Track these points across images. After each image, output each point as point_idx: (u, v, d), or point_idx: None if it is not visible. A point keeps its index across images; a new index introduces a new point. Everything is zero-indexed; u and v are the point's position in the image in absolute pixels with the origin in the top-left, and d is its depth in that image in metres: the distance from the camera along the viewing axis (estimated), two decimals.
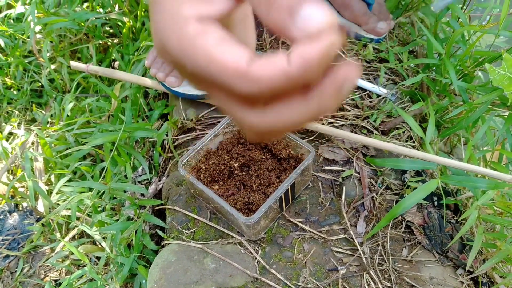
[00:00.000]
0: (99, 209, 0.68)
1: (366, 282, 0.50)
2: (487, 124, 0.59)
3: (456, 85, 0.58)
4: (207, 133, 0.57)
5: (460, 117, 0.62)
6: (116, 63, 0.90)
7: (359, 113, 0.63)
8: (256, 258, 0.52)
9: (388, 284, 0.50)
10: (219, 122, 0.64)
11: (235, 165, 0.55)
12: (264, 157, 0.56)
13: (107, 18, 0.85)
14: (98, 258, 0.66)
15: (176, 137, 0.64)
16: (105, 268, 0.66)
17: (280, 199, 0.52)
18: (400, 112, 0.57)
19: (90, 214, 0.68)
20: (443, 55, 0.60)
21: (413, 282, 0.51)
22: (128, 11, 0.83)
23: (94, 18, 0.82)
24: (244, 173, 0.55)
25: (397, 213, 0.51)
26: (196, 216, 0.55)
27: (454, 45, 0.67)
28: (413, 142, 0.61)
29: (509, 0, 0.59)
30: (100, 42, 0.88)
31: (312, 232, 0.53)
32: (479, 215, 0.52)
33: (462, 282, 0.52)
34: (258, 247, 0.53)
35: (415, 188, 0.58)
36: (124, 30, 0.84)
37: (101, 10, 0.90)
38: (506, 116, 0.61)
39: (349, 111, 0.63)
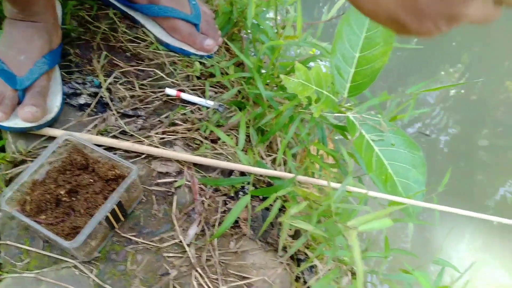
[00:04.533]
0: None
1: (195, 278, 0.56)
2: (295, 124, 0.68)
3: (264, 94, 0.67)
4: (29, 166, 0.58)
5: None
6: None
7: (190, 126, 0.69)
8: (90, 277, 0.55)
9: (215, 276, 0.57)
10: None
11: (62, 192, 0.57)
12: (92, 180, 0.59)
13: None
14: None
15: (9, 172, 0.63)
16: None
17: (107, 219, 0.56)
18: (213, 129, 0.64)
19: None
20: (253, 68, 0.69)
21: (238, 271, 0.58)
22: None
23: None
24: (73, 199, 0.58)
25: (220, 233, 0.58)
26: (28, 247, 0.56)
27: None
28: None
29: (301, 14, 0.70)
30: None
31: (145, 243, 0.58)
32: (287, 204, 0.61)
33: (282, 263, 0.61)
34: (92, 267, 0.56)
35: (240, 189, 0.65)
36: None
37: None
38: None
39: (180, 125, 0.69)
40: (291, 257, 0.64)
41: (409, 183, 0.67)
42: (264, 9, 0.78)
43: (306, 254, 0.64)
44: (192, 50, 0.78)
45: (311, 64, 0.78)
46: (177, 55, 0.78)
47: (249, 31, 0.83)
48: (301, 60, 0.73)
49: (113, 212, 0.56)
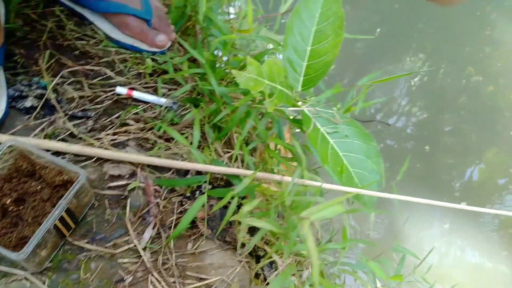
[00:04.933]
0: None
1: (151, 283, 0.55)
2: (251, 119, 0.68)
3: (217, 90, 0.66)
4: None
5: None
6: None
7: (143, 126, 0.67)
8: None
9: (172, 280, 0.56)
10: None
11: (8, 201, 0.55)
12: (39, 187, 0.57)
13: None
14: None
15: None
16: None
17: (56, 227, 0.54)
18: (166, 128, 0.63)
19: None
20: (205, 64, 0.67)
21: (196, 272, 0.58)
22: None
23: None
24: (20, 208, 0.56)
25: (175, 235, 0.57)
26: None
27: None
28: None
29: (251, 7, 0.69)
30: None
31: (99, 250, 0.56)
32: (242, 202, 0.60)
33: (241, 261, 0.61)
34: (44, 277, 0.54)
35: (196, 188, 0.64)
36: None
37: None
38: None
39: (133, 125, 0.67)
40: (250, 254, 0.64)
41: (365, 173, 0.67)
42: (217, 3, 0.76)
43: (265, 250, 0.63)
44: (144, 47, 0.76)
45: (267, 57, 0.78)
46: (128, 52, 0.76)
47: (203, 25, 0.82)
48: (254, 54, 0.72)
49: (62, 220, 0.54)
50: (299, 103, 0.69)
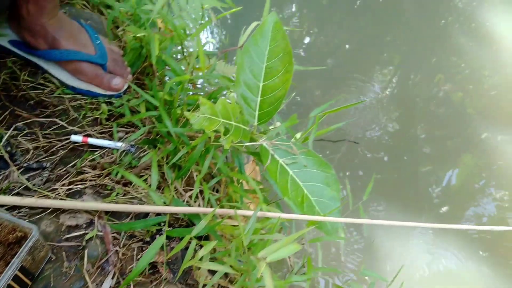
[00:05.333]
0: None
1: None
2: (210, 157, 0.68)
3: (172, 131, 0.66)
4: None
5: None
6: None
7: (99, 172, 0.67)
8: None
9: None
10: None
11: None
12: None
13: None
14: None
15: None
16: None
17: (11, 286, 0.53)
18: (122, 172, 0.63)
19: None
20: (159, 106, 0.68)
21: None
22: None
23: None
24: None
25: (128, 281, 0.56)
26: None
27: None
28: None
29: (201, 47, 0.70)
30: None
31: None
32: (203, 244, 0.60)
33: None
34: None
35: (156, 232, 0.64)
36: None
37: None
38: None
39: (88, 172, 0.67)
40: None
41: (325, 201, 0.68)
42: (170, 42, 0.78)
43: None
44: (100, 91, 0.76)
45: (225, 93, 0.79)
46: (84, 98, 0.76)
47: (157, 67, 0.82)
48: (211, 91, 0.73)
49: (16, 278, 0.53)
50: (259, 136, 0.69)
